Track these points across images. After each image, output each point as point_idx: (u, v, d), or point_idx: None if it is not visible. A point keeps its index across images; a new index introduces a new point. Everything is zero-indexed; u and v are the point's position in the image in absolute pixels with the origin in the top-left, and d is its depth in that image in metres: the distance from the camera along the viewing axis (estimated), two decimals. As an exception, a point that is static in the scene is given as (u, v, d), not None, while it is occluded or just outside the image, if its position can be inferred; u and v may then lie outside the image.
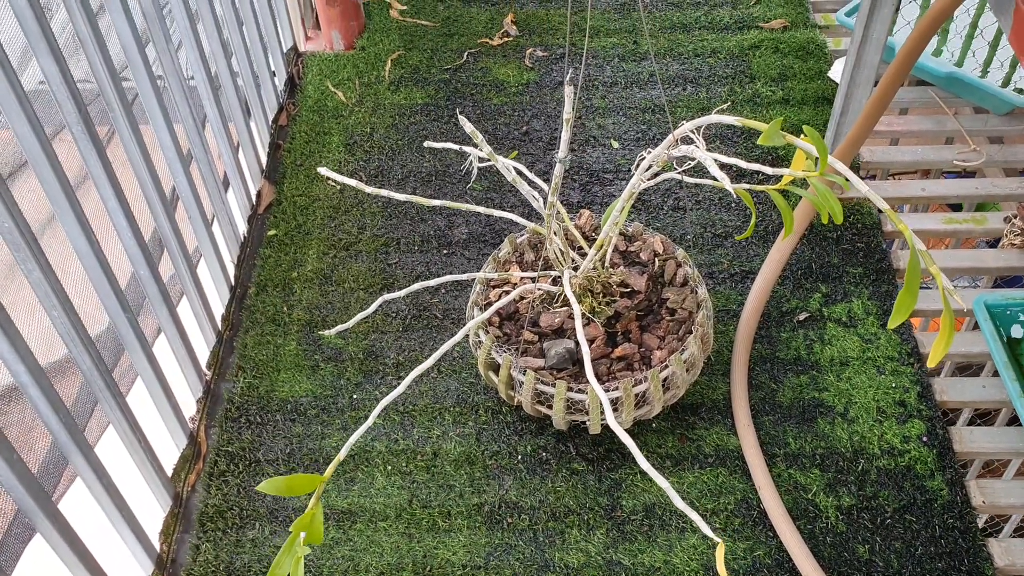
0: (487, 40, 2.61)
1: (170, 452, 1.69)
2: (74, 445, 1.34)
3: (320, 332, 1.87)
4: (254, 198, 2.15)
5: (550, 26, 2.65)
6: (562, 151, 1.40)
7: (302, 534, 1.18)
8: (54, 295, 1.25)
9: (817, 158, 1.17)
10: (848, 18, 2.39)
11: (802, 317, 1.88)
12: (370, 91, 2.45)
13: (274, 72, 2.36)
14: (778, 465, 1.68)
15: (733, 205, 2.11)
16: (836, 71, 2.42)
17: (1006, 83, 2.22)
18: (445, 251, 2.06)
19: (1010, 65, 2.25)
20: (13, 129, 1.22)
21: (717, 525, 1.61)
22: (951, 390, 1.78)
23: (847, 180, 1.13)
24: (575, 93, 1.27)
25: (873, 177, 2.29)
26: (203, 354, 1.84)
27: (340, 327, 1.67)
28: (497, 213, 1.67)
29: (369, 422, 1.35)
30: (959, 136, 2.20)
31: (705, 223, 2.08)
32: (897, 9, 1.99)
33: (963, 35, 2.36)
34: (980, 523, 1.61)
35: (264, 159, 2.24)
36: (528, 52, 2.57)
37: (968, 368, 2.27)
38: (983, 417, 2.19)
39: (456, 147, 1.66)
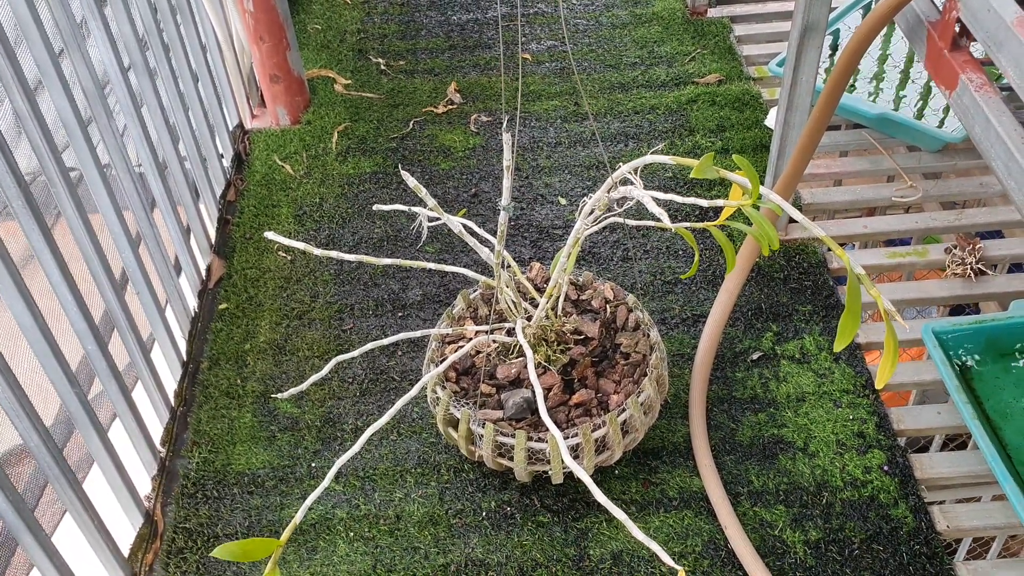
0: (432, 108, 2.65)
1: (126, 531, 1.65)
2: (23, 525, 1.30)
3: (273, 396, 1.85)
4: (204, 273, 2.14)
5: (493, 92, 2.70)
6: (505, 199, 1.42)
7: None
8: (-3, 370, 1.23)
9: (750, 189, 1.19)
10: (779, 68, 2.47)
11: (756, 356, 1.90)
12: (318, 163, 2.47)
13: (222, 155, 2.37)
14: (743, 504, 1.67)
15: (681, 252, 2.15)
16: (772, 119, 2.49)
17: (941, 124, 2.30)
18: (400, 313, 2.06)
19: (944, 110, 2.33)
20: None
21: (686, 567, 1.59)
22: (908, 418, 1.80)
23: (780, 208, 1.15)
24: (513, 140, 1.29)
25: (815, 219, 2.34)
26: (156, 431, 1.81)
27: (293, 390, 1.66)
28: (447, 268, 1.68)
29: (325, 483, 1.33)
30: (898, 174, 2.26)
31: (655, 271, 2.10)
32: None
33: (896, 83, 2.44)
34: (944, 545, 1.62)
35: (213, 235, 2.24)
36: (473, 118, 2.61)
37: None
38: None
39: (404, 208, 1.68)
